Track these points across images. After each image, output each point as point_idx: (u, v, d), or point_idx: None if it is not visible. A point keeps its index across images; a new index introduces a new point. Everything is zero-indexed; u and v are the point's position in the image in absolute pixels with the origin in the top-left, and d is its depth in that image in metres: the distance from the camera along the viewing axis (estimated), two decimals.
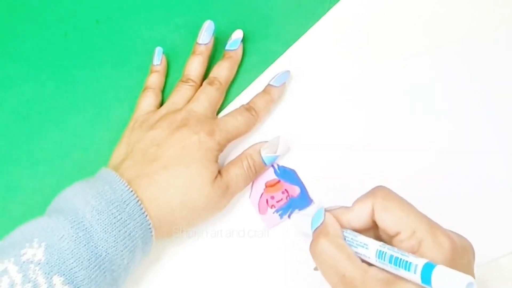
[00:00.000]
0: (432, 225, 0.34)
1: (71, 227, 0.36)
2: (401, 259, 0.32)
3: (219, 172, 0.43)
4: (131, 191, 0.39)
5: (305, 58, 0.50)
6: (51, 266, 0.35)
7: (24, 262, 0.35)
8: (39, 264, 0.35)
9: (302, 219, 0.41)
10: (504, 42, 0.50)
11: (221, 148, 0.44)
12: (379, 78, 0.49)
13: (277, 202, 0.46)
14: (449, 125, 0.48)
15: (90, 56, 0.52)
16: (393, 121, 0.48)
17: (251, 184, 0.46)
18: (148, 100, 0.48)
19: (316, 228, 0.37)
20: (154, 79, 0.49)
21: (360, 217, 0.36)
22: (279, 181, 0.46)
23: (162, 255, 0.45)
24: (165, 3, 0.53)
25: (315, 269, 0.39)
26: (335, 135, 0.48)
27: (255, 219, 0.46)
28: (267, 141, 0.46)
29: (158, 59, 0.49)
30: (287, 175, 0.46)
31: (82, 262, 0.36)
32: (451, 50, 0.50)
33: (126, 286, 0.43)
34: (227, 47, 0.49)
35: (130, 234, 0.38)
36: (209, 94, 0.46)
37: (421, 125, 0.48)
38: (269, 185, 0.46)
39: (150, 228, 0.39)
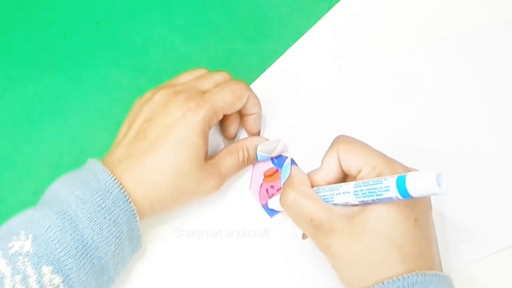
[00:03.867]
0: (390, 160, 0.37)
1: (57, 217, 0.37)
2: (376, 183, 0.34)
3: (213, 157, 0.44)
4: (114, 179, 0.39)
5: (305, 58, 0.50)
6: (39, 256, 0.35)
7: (12, 254, 0.35)
8: (27, 255, 0.35)
9: (276, 199, 0.43)
10: (501, 37, 0.50)
11: (209, 123, 0.42)
12: (379, 77, 0.49)
13: (277, 190, 0.46)
14: (448, 122, 0.48)
15: (90, 57, 0.52)
16: (393, 119, 0.48)
17: (250, 175, 0.46)
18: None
19: (284, 182, 0.39)
20: None
21: (330, 169, 0.39)
22: (277, 170, 0.46)
23: (162, 255, 0.44)
24: (164, 4, 0.53)
25: (303, 237, 0.43)
26: (335, 134, 0.47)
27: (255, 219, 0.45)
28: (267, 139, 0.46)
29: None
30: (284, 162, 0.46)
31: (69, 251, 0.36)
32: (450, 47, 0.50)
33: (126, 286, 0.43)
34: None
35: (115, 221, 0.38)
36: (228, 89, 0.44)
37: (420, 121, 0.48)
38: (267, 175, 0.46)
39: (134, 214, 0.40)
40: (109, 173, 0.39)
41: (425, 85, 0.49)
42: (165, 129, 0.41)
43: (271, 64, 0.51)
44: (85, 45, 0.52)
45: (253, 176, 0.46)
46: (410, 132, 0.47)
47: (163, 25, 0.52)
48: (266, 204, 0.46)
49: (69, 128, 0.49)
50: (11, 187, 0.47)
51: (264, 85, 0.49)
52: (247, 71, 0.50)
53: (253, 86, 0.50)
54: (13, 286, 0.34)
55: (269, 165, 0.47)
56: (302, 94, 0.49)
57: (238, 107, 0.44)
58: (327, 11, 0.52)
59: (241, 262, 0.44)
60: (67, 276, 0.36)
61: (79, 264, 0.36)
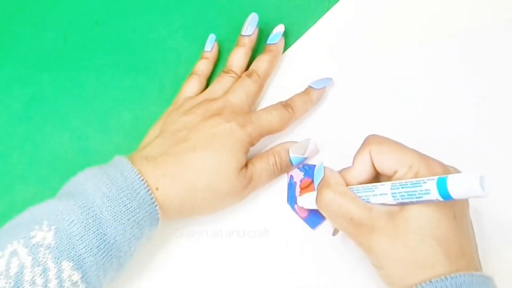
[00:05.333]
0: (425, 157, 0.36)
1: (81, 212, 0.37)
2: (415, 186, 0.34)
3: (245, 164, 0.43)
4: (142, 179, 0.39)
5: (305, 58, 0.50)
6: (61, 251, 0.35)
7: (34, 245, 0.35)
8: (49, 248, 0.35)
9: (307, 197, 0.43)
10: (501, 37, 0.50)
11: (252, 141, 0.43)
12: (379, 77, 0.49)
13: None
14: (448, 122, 0.48)
15: (89, 58, 0.51)
16: (393, 118, 0.48)
17: (286, 189, 0.46)
18: (191, 86, 0.48)
19: (319, 183, 0.39)
20: (202, 66, 0.49)
21: (362, 169, 0.38)
22: (312, 181, 0.45)
23: (162, 255, 0.44)
24: (164, 4, 0.53)
25: (334, 234, 0.43)
26: (335, 134, 0.47)
27: (255, 219, 0.45)
28: (296, 142, 0.46)
29: (209, 46, 0.49)
30: None
31: (91, 248, 0.36)
32: (449, 46, 0.50)
33: (125, 286, 0.43)
34: (268, 41, 0.49)
35: (138, 223, 0.38)
36: (246, 86, 0.46)
37: (420, 121, 0.48)
38: (303, 187, 0.45)
39: (158, 218, 0.40)
40: (137, 172, 0.39)
41: (425, 85, 0.49)
42: (210, 135, 0.42)
43: None
44: (85, 45, 0.52)
45: (288, 190, 0.46)
46: (410, 132, 0.47)
47: (163, 25, 0.52)
48: (307, 216, 0.45)
49: (69, 128, 0.49)
50: (11, 187, 0.47)
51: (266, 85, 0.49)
52: None
53: None
54: (33, 277, 0.34)
55: (302, 176, 0.46)
56: None
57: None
58: (327, 11, 0.52)
59: (241, 262, 0.44)
60: (86, 273, 0.36)
61: (99, 263, 0.36)
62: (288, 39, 0.51)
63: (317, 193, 0.39)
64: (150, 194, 0.39)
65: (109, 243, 0.37)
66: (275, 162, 0.45)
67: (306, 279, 0.44)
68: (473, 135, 0.47)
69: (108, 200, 0.37)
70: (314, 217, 0.45)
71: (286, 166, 0.45)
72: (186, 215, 0.42)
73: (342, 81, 0.49)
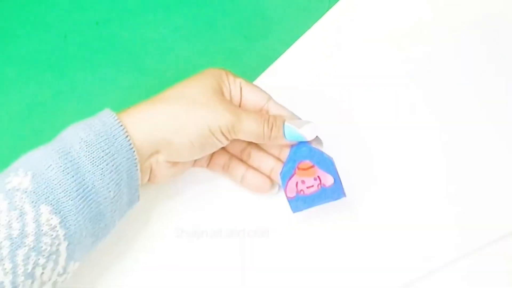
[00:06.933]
0: None
1: (59, 157, 0.36)
2: None
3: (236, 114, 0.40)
4: (121, 125, 0.38)
5: (304, 58, 0.50)
6: (38, 195, 0.34)
7: (9, 189, 0.34)
8: (25, 192, 0.34)
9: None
10: (500, 35, 0.50)
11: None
12: (379, 76, 0.49)
13: (307, 188, 0.42)
14: (447, 121, 0.48)
15: (90, 58, 0.52)
16: (393, 118, 0.48)
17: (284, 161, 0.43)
18: None
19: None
20: None
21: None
22: (312, 166, 0.42)
23: (162, 255, 0.44)
24: (164, 4, 0.53)
25: None
26: (335, 134, 0.47)
27: (255, 219, 0.45)
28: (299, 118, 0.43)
29: None
30: (323, 161, 0.42)
31: (70, 193, 0.35)
32: (450, 45, 0.50)
33: (126, 286, 0.43)
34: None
35: (117, 168, 0.37)
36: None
37: (420, 120, 0.48)
38: (301, 168, 0.42)
39: (136, 163, 0.39)
40: (115, 118, 0.39)
41: (425, 84, 0.49)
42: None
43: (271, 64, 0.51)
44: (85, 45, 0.52)
45: (286, 163, 0.42)
46: (409, 131, 0.47)
47: (163, 25, 0.52)
48: (293, 198, 0.43)
49: None
50: None
51: (263, 85, 0.49)
52: (247, 71, 0.50)
53: None
54: (9, 221, 0.33)
55: (307, 157, 0.42)
56: (301, 94, 0.49)
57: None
58: (327, 10, 0.52)
59: (241, 262, 0.44)
60: (65, 217, 0.35)
61: (78, 207, 0.35)
62: (288, 38, 0.51)
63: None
64: (128, 139, 0.38)
65: (87, 187, 0.36)
66: (268, 129, 0.41)
67: (306, 279, 0.44)
68: (472, 134, 0.47)
69: (86, 145, 0.37)
70: (299, 202, 0.43)
71: (276, 138, 0.42)
72: (164, 156, 0.40)
73: (341, 81, 0.49)
